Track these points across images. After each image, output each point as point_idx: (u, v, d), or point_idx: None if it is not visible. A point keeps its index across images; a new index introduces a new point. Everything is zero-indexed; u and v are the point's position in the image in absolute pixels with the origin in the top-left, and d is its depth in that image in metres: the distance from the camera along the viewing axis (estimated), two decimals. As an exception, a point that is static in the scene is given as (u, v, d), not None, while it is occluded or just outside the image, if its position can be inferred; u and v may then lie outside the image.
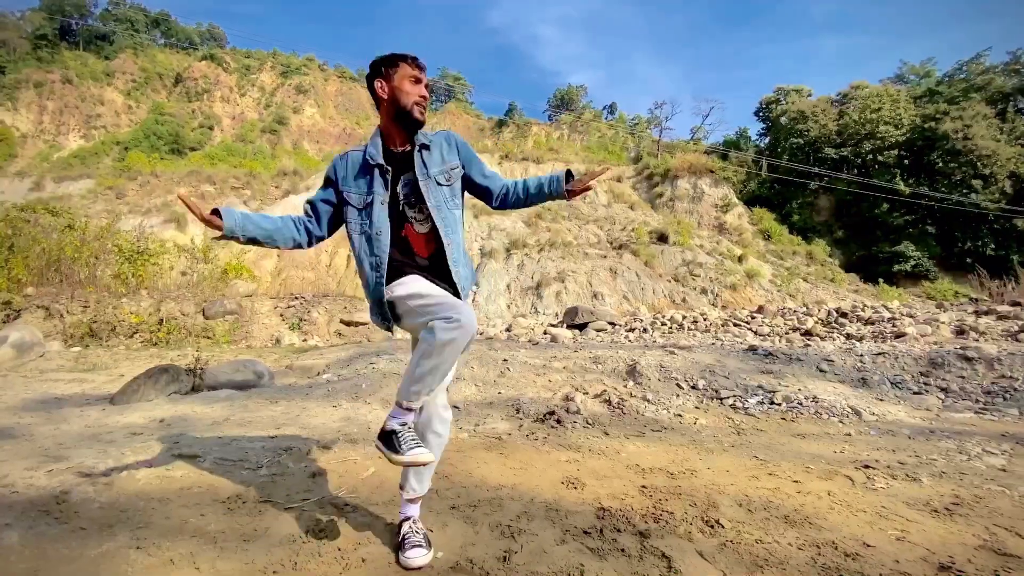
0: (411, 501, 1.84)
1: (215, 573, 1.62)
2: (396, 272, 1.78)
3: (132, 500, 2.20)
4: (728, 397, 3.77)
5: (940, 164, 31.65)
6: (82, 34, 57.89)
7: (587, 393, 3.90)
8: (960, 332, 8.73)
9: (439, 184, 1.80)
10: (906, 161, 33.15)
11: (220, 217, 1.67)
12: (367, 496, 2.23)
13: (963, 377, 4.42)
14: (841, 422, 3.35)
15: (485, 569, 1.61)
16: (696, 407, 3.64)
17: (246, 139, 50.97)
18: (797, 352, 4.83)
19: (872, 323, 10.56)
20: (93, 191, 31.01)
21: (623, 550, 1.72)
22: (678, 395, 3.85)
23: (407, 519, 1.80)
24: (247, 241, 1.77)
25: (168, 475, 2.48)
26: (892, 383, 4.21)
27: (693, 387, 4.02)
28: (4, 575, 1.63)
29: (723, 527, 1.89)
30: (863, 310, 12.10)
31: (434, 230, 1.78)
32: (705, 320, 12.85)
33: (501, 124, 57.66)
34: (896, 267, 29.83)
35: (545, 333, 11.18)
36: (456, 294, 1.80)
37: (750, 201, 34.73)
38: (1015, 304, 10.32)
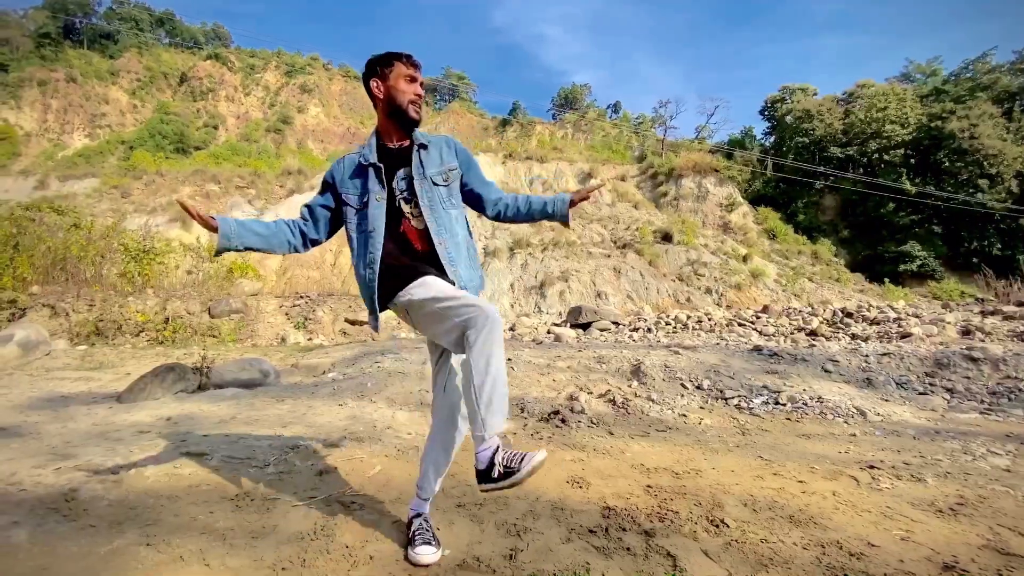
0: (424, 499, 1.85)
1: (225, 570, 1.63)
2: (391, 271, 1.76)
3: (141, 498, 2.22)
4: (733, 397, 3.77)
5: (946, 163, 31.47)
6: (86, 33, 58.11)
7: (591, 393, 3.90)
8: (966, 332, 8.70)
9: (435, 184, 1.80)
10: (912, 160, 32.98)
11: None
12: (374, 494, 2.25)
13: (968, 378, 4.41)
14: (846, 422, 3.34)
15: (492, 567, 1.63)
16: (701, 407, 3.65)
17: (251, 138, 51.12)
18: (802, 352, 4.82)
19: (878, 323, 10.53)
20: (98, 190, 31.18)
21: (628, 549, 1.73)
22: (683, 395, 3.85)
23: (417, 516, 1.81)
24: (244, 249, 1.79)
25: (176, 473, 2.50)
26: (897, 383, 4.20)
27: (698, 387, 4.03)
28: (14, 573, 1.65)
29: (728, 527, 1.89)
30: (868, 310, 12.06)
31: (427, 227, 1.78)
32: (710, 320, 12.83)
33: (505, 123, 57.61)
34: (902, 267, 29.69)
35: (549, 332, 11.19)
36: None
37: (755, 200, 34.64)
38: (1021, 304, 10.28)
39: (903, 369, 4.44)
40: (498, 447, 1.55)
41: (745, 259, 25.01)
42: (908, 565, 1.71)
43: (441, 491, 2.26)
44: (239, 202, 29.64)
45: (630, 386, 4.08)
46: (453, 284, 1.77)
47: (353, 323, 9.23)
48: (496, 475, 1.49)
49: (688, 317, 13.54)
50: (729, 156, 39.36)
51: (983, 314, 10.35)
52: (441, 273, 1.78)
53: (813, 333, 10.08)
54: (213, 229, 1.72)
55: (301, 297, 9.43)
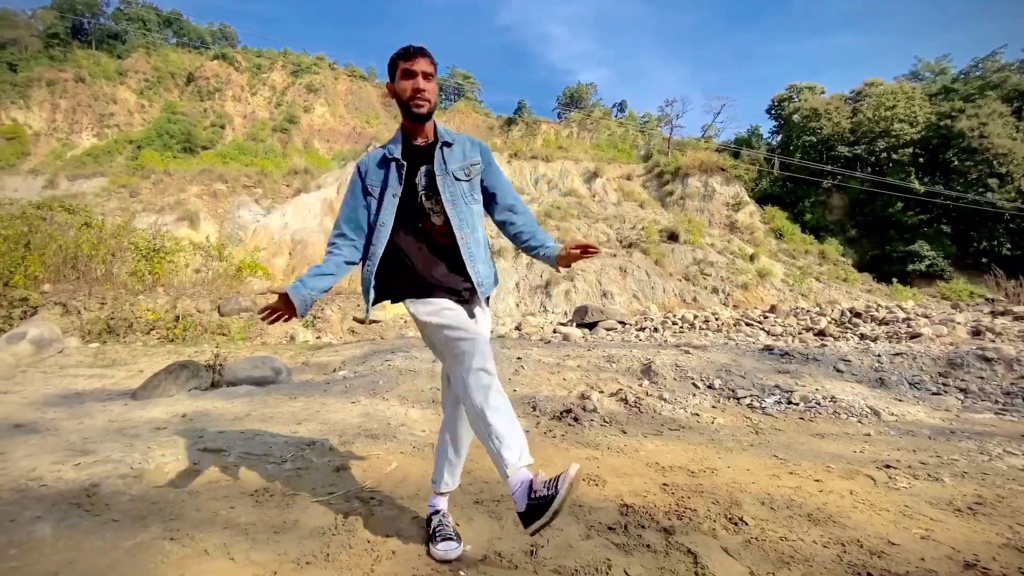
0: (441, 495, 1.87)
1: (249, 563, 1.65)
2: (403, 270, 1.80)
3: (162, 493, 2.24)
4: (745, 397, 3.77)
5: (956, 162, 31.25)
6: (94, 33, 58.54)
7: (603, 392, 3.91)
8: (976, 333, 8.64)
9: (457, 179, 1.82)
10: (921, 159, 32.77)
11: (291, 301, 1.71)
12: (391, 490, 2.26)
13: (982, 378, 4.39)
14: (860, 422, 3.33)
15: (514, 562, 1.64)
16: (713, 406, 3.64)
17: (257, 138, 51.35)
18: (814, 352, 4.81)
19: (886, 323, 10.47)
20: (107, 189, 31.40)
21: (648, 546, 1.74)
22: (694, 394, 3.85)
23: (436, 512, 1.83)
24: (321, 296, 1.86)
25: (195, 468, 2.52)
26: (910, 383, 4.18)
27: (709, 387, 4.02)
28: (39, 567, 1.67)
29: (747, 524, 1.90)
30: (877, 310, 12.00)
31: (449, 223, 1.79)
32: (717, 319, 12.80)
33: (510, 122, 57.60)
34: (910, 267, 29.49)
35: (555, 332, 11.19)
36: (473, 290, 1.82)
37: (762, 199, 34.50)
38: (1033, 304, 10.18)
39: (916, 369, 4.42)
40: (530, 481, 1.50)
41: (752, 259, 24.92)
42: (929, 563, 1.70)
43: (459, 488, 2.28)
44: (246, 201, 29.78)
45: (641, 385, 4.08)
46: (471, 280, 1.79)
47: (362, 322, 9.27)
48: (536, 508, 1.44)
49: (695, 317, 13.51)
50: (736, 155, 39.20)
51: (993, 314, 10.28)
52: (460, 268, 1.80)
53: (821, 333, 10.04)
54: (291, 306, 1.72)
55: (310, 296, 9.48)
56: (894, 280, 27.62)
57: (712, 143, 43.74)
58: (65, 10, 55.13)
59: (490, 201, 1.95)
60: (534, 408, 3.64)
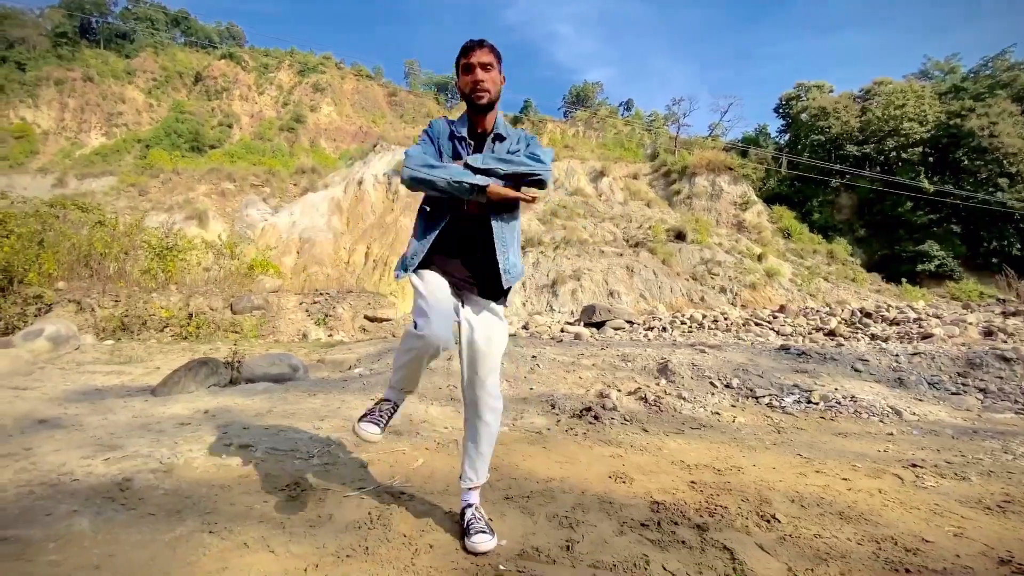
0: (470, 489, 1.89)
1: (290, 556, 1.67)
2: (447, 238, 1.87)
3: (194, 487, 2.27)
4: (764, 396, 3.76)
5: (965, 162, 31.04)
6: (102, 32, 58.89)
7: (620, 390, 3.91)
8: (988, 334, 8.58)
9: (527, 151, 1.90)
10: (930, 159, 32.55)
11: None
12: (421, 485, 2.28)
13: (1001, 378, 4.36)
14: (882, 421, 3.33)
15: (552, 557, 1.65)
16: (732, 405, 3.64)
17: (264, 137, 51.57)
18: (831, 351, 4.80)
19: (897, 324, 10.41)
20: (116, 188, 31.63)
21: (683, 542, 1.75)
22: (712, 393, 3.85)
23: (469, 506, 1.85)
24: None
25: (224, 463, 2.55)
26: (929, 383, 4.17)
27: (727, 386, 4.02)
28: (80, 560, 1.69)
29: (779, 522, 1.90)
30: (888, 310, 11.93)
31: (490, 206, 1.84)
32: (726, 319, 12.76)
33: (516, 121, 57.57)
34: (920, 267, 29.31)
35: (563, 331, 11.18)
36: (498, 276, 1.86)
37: (769, 199, 34.35)
38: (1047, 305, 10.11)
39: (935, 369, 4.40)
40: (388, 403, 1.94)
41: (760, 258, 24.82)
42: (965, 560, 1.71)
43: (487, 483, 2.30)
44: (254, 200, 29.93)
45: (659, 384, 4.08)
46: (498, 265, 1.85)
47: (372, 320, 9.31)
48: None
49: (704, 316, 13.47)
50: (743, 154, 39.05)
51: (1005, 315, 10.22)
52: (490, 251, 1.85)
53: (832, 333, 9.99)
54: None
55: (321, 294, 9.52)
56: (903, 280, 27.46)
57: (719, 142, 43.62)
58: (73, 9, 55.46)
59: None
60: (553, 406, 3.64)
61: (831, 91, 40.17)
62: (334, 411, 3.54)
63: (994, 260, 29.15)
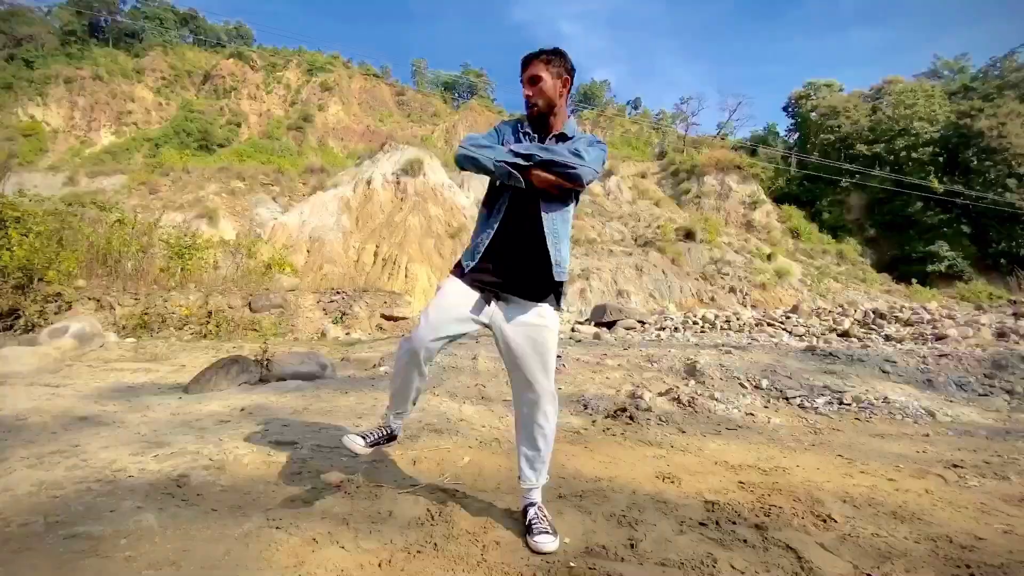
0: (531, 489, 1.92)
1: (360, 551, 1.70)
2: (501, 235, 1.91)
3: (249, 483, 2.31)
4: (795, 397, 3.78)
5: (975, 162, 30.85)
6: (111, 31, 59.22)
7: (651, 391, 3.94)
8: (1001, 335, 8.55)
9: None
10: (940, 159, 32.35)
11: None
12: (472, 483, 2.31)
13: (1029, 379, 4.36)
14: (916, 423, 3.34)
15: (618, 555, 1.68)
16: (765, 406, 3.66)
17: (272, 136, 51.75)
18: (858, 353, 4.80)
19: (911, 324, 10.37)
20: (127, 186, 31.83)
21: (745, 541, 1.77)
22: (743, 394, 3.87)
23: (531, 505, 1.88)
24: None
25: (273, 460, 2.59)
26: (957, 385, 4.17)
27: (756, 387, 4.04)
28: (155, 556, 1.72)
29: (836, 522, 1.92)
30: (901, 311, 11.88)
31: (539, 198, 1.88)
32: (738, 319, 12.72)
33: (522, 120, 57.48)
34: (930, 267, 29.14)
35: (573, 330, 11.19)
36: (543, 276, 1.90)
37: (779, 198, 34.26)
38: (1060, 307, 10.08)
39: (961, 370, 4.41)
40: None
41: (769, 258, 24.78)
42: (1018, 556, 1.73)
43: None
44: (264, 199, 30.08)
45: (688, 385, 4.10)
46: (551, 257, 1.88)
47: (389, 318, 9.36)
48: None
49: (716, 316, 13.43)
50: (752, 153, 38.93)
51: (1016, 316, 10.21)
52: (541, 243, 1.87)
53: (845, 334, 9.95)
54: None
55: (337, 293, 9.58)
56: (913, 281, 27.33)
57: (728, 141, 43.51)
58: (82, 6, 55.75)
59: None
60: (585, 407, 3.67)
61: (841, 90, 40.02)
62: (370, 409, 3.59)
63: (1003, 261, 28.99)
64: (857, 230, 33.28)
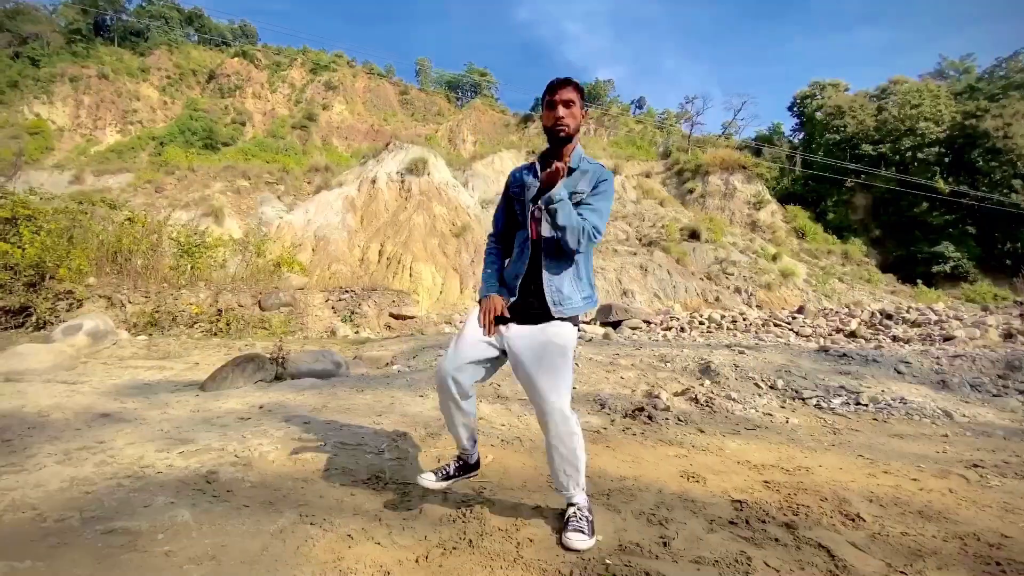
0: (575, 491, 1.88)
1: (397, 547, 1.72)
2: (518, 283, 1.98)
3: (278, 480, 2.33)
4: (811, 397, 3.79)
5: (980, 163, 30.71)
6: (116, 30, 59.39)
7: (667, 391, 3.95)
8: (1008, 336, 8.55)
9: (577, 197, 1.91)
10: (946, 159, 32.22)
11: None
12: (498, 482, 2.33)
13: (1043, 381, 4.36)
14: (934, 423, 3.35)
15: (652, 552, 1.69)
16: (782, 407, 3.67)
17: (277, 135, 51.85)
18: (872, 354, 4.81)
19: (918, 325, 10.37)
20: (133, 185, 31.95)
21: (777, 540, 1.79)
22: (759, 395, 3.88)
23: (571, 504, 1.87)
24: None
25: (298, 457, 2.61)
26: (971, 386, 4.17)
27: (771, 387, 4.05)
28: (194, 551, 1.74)
29: (864, 521, 1.94)
30: (908, 312, 11.87)
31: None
32: (745, 320, 12.73)
33: (527, 120, 57.48)
34: (935, 268, 29.01)
35: (580, 329, 11.21)
36: (544, 304, 1.90)
37: (783, 198, 34.15)
38: (1068, 308, 10.08)
39: (975, 371, 4.41)
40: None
41: (774, 258, 24.71)
42: (1048, 554, 1.74)
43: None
44: (269, 198, 30.14)
45: (703, 385, 4.12)
46: (547, 297, 1.89)
47: (397, 317, 9.39)
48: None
49: (722, 317, 13.45)
50: (757, 153, 38.84)
51: (1023, 317, 10.21)
52: (537, 277, 1.92)
53: (852, 335, 9.95)
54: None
55: (346, 291, 9.61)
56: (919, 282, 27.24)
57: (733, 141, 43.42)
58: (88, 4, 55.90)
59: None
60: (603, 406, 3.69)
61: (847, 89, 39.86)
62: (388, 407, 3.61)
63: (1008, 262, 28.87)
64: (862, 230, 33.16)
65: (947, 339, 8.36)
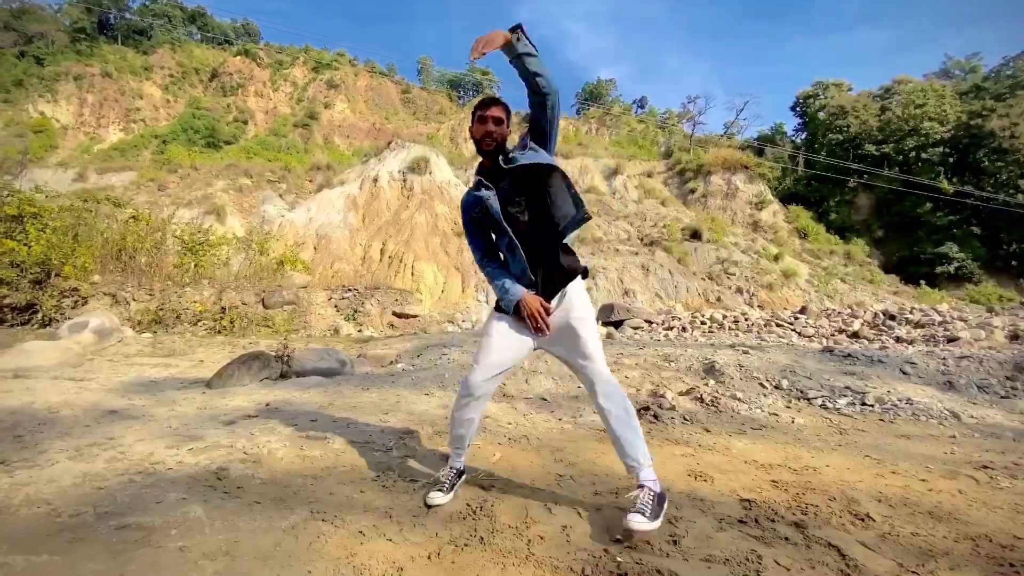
0: (637, 472, 1.97)
1: (409, 544, 1.73)
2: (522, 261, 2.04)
3: (288, 477, 2.34)
4: (816, 398, 3.79)
5: (986, 163, 30.63)
6: (120, 29, 59.52)
7: (673, 390, 3.95)
8: (1015, 337, 8.52)
9: (520, 153, 2.06)
10: (951, 159, 32.14)
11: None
12: (507, 479, 2.34)
13: (1050, 382, 4.35)
14: (941, 424, 3.35)
15: (663, 550, 1.70)
16: (787, 407, 3.68)
17: (279, 133, 51.92)
18: (877, 354, 4.81)
19: (922, 326, 10.36)
20: (136, 183, 32.03)
21: (787, 539, 1.79)
22: (764, 395, 3.88)
23: (640, 486, 1.91)
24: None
25: (307, 455, 2.62)
26: (979, 387, 4.17)
27: (776, 387, 4.05)
28: (207, 547, 1.75)
29: (874, 520, 1.94)
30: (911, 313, 11.85)
31: (531, 206, 2.00)
32: (747, 320, 12.73)
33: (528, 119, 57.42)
34: (939, 269, 28.93)
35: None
36: (555, 280, 2.00)
37: (786, 198, 34.12)
38: (1077, 309, 10.06)
39: (983, 372, 4.40)
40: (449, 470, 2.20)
41: (776, 258, 24.69)
42: (1059, 555, 1.74)
43: (571, 479, 2.37)
44: (271, 196, 30.18)
45: (708, 384, 4.12)
46: (560, 231, 1.98)
47: (400, 316, 9.40)
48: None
49: (724, 317, 13.44)
50: (759, 153, 38.79)
51: (1029, 318, 10.19)
52: (551, 226, 1.98)
53: (855, 335, 9.95)
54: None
55: (349, 290, 9.63)
56: (922, 282, 27.18)
57: (735, 141, 43.37)
58: (92, 3, 56.03)
59: (535, 115, 2.09)
60: (608, 404, 3.69)
61: (850, 89, 39.80)
62: (394, 405, 3.62)
63: (1014, 263, 28.82)
64: (865, 231, 33.11)
65: (951, 340, 8.35)
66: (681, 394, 3.84)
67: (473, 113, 2.14)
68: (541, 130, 2.06)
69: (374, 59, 69.04)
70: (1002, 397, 4.08)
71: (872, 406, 3.59)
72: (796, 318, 12.85)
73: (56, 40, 54.15)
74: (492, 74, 69.30)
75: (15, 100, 46.70)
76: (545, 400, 3.89)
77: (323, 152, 42.27)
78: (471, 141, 2.29)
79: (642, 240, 26.62)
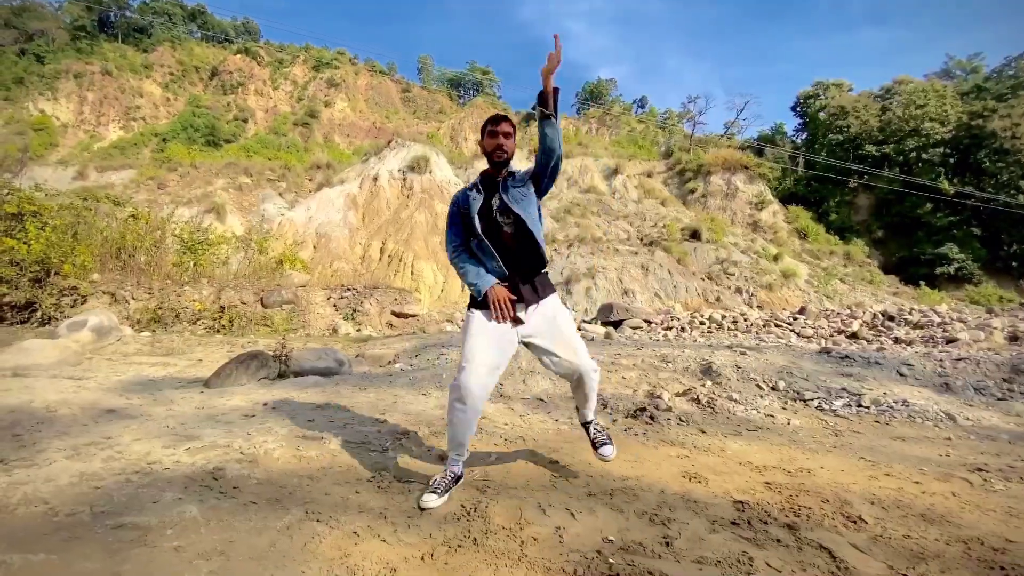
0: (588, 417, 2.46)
1: (401, 544, 1.74)
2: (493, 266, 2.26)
3: (284, 477, 2.35)
4: (812, 399, 3.80)
5: (987, 163, 30.62)
6: (120, 27, 59.49)
7: (669, 391, 3.96)
8: (1014, 339, 8.52)
9: (518, 187, 2.27)
10: (951, 159, 32.12)
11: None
12: (501, 481, 2.35)
13: (1046, 384, 4.35)
14: (937, 426, 3.36)
15: (655, 552, 1.71)
16: (783, 408, 3.68)
17: (279, 132, 51.91)
18: (874, 356, 4.81)
19: (921, 327, 10.36)
20: (136, 181, 32.03)
21: (779, 541, 1.80)
22: (761, 396, 3.89)
23: (588, 423, 2.46)
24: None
25: (303, 455, 2.63)
26: (975, 389, 4.17)
27: (773, 388, 4.06)
28: (203, 546, 1.76)
29: (866, 523, 1.95)
30: (911, 313, 11.86)
31: (518, 223, 2.21)
32: (746, 320, 12.75)
33: (529, 118, 57.45)
34: (939, 269, 28.91)
35: (578, 329, 11.23)
36: (543, 261, 2.27)
37: (785, 199, 34.11)
38: (1076, 311, 10.06)
39: (980, 375, 4.41)
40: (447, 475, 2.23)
41: (776, 259, 24.70)
42: (1051, 559, 1.75)
43: (566, 479, 2.38)
44: (270, 195, 30.18)
45: (704, 385, 4.13)
46: (543, 259, 2.27)
47: (399, 315, 9.41)
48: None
49: (723, 317, 13.46)
50: (759, 153, 38.78)
51: (1029, 320, 10.19)
52: (533, 249, 2.24)
53: (854, 336, 9.95)
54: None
55: (348, 290, 9.63)
56: (921, 283, 27.18)
57: (735, 141, 43.35)
58: (92, 1, 56.01)
59: (537, 169, 2.28)
60: (604, 405, 3.71)
61: (850, 89, 39.78)
62: (391, 405, 3.63)
63: (1014, 264, 28.82)
64: (865, 231, 33.10)
65: (950, 341, 8.35)
66: (678, 395, 3.85)
67: (483, 128, 2.31)
68: (539, 179, 2.27)
69: (374, 58, 69.10)
70: (998, 399, 4.09)
71: (868, 408, 3.59)
72: (795, 319, 12.86)
73: (56, 38, 54.12)
74: (492, 73, 69.29)
75: (15, 98, 46.69)
76: (542, 401, 3.90)
77: (323, 151, 42.23)
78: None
79: (642, 240, 26.62)
